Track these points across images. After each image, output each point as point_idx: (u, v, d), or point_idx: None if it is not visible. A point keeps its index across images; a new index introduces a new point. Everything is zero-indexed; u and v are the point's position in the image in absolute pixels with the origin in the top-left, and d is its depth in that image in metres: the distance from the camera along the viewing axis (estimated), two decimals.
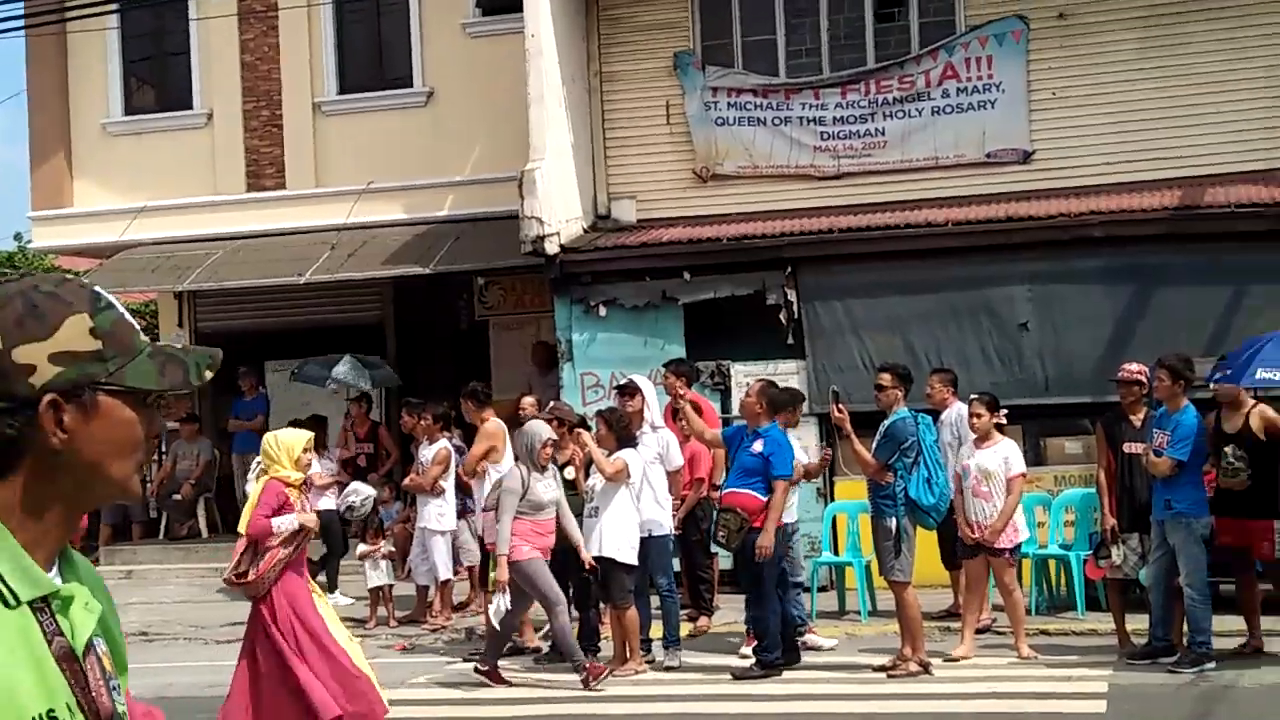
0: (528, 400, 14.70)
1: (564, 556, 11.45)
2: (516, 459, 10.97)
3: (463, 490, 13.97)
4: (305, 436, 9.01)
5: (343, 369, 16.76)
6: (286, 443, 8.84)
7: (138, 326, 2.09)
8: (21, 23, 18.23)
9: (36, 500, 2.01)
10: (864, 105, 15.52)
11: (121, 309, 2.08)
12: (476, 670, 10.88)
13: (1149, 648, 10.53)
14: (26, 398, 1.98)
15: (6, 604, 1.93)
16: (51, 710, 1.93)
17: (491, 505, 11.01)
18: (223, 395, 19.18)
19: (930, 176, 15.33)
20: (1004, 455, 11.09)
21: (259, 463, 13.63)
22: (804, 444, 14.34)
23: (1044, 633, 11.65)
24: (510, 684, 10.82)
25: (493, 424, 12.67)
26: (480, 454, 12.55)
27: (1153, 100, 14.74)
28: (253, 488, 9.61)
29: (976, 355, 14.18)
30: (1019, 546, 11.24)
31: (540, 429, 10.90)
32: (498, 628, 10.75)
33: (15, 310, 2.00)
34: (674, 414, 12.79)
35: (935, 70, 15.33)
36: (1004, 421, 11.53)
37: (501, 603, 10.54)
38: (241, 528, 8.82)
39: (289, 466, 8.72)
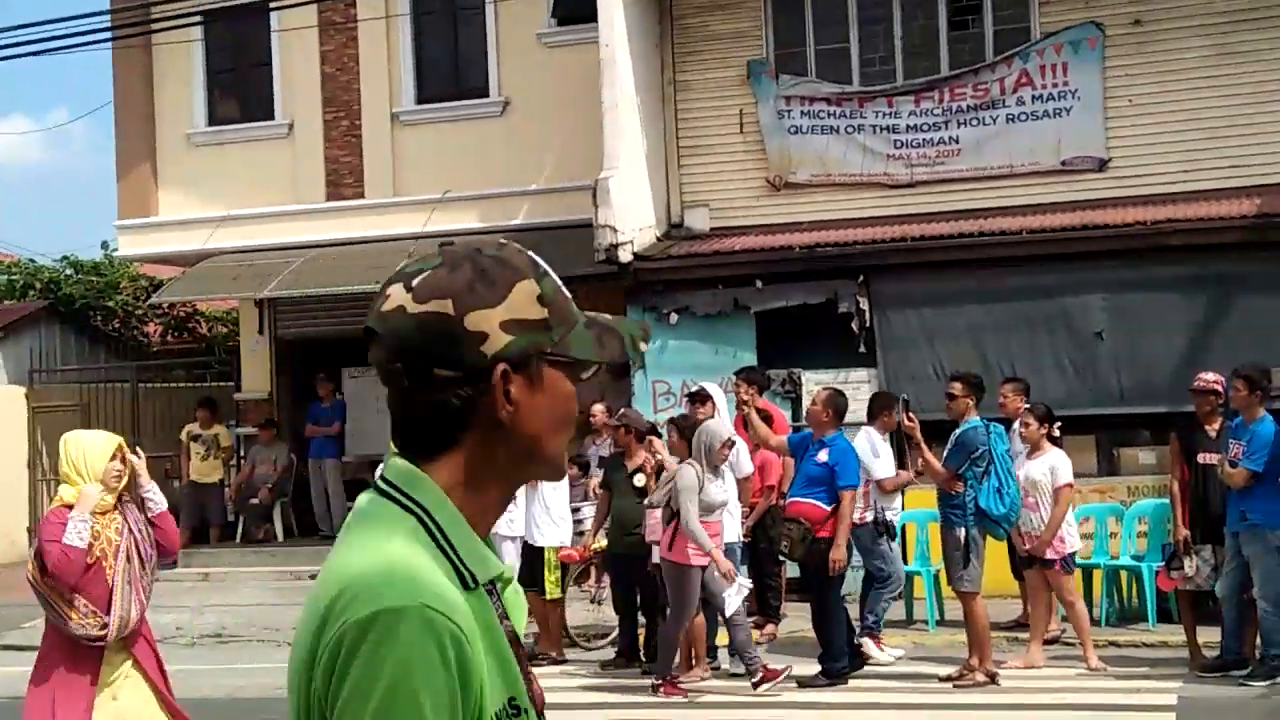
0: (598, 408, 14.77)
1: (632, 563, 11.50)
2: (692, 458, 10.69)
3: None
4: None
5: None
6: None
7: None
8: (109, 34, 18.62)
9: (476, 476, 1.91)
10: (938, 113, 15.46)
11: (556, 277, 2.00)
12: (653, 686, 10.55)
13: (1220, 660, 10.39)
14: (477, 367, 1.89)
15: (466, 586, 1.85)
16: (513, 698, 1.85)
17: (659, 503, 10.78)
18: (299, 401, 19.44)
19: (1004, 184, 15.23)
20: (1050, 465, 10.99)
21: None
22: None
23: (1114, 644, 11.54)
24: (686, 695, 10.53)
25: None
26: None
27: (1229, 107, 14.56)
28: None
29: (1050, 364, 14.07)
30: (1071, 557, 11.11)
31: (719, 429, 10.68)
32: (743, 616, 10.55)
33: (465, 275, 1.92)
34: (744, 422, 12.81)
35: (1010, 77, 15.23)
36: (1056, 433, 11.45)
37: (734, 592, 10.39)
38: None
39: None
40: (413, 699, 1.72)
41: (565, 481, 12.60)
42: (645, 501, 11.20)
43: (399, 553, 1.81)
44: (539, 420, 1.93)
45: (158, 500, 6.67)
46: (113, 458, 6.49)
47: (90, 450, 6.52)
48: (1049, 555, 10.83)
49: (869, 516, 11.57)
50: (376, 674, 1.73)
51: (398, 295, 1.93)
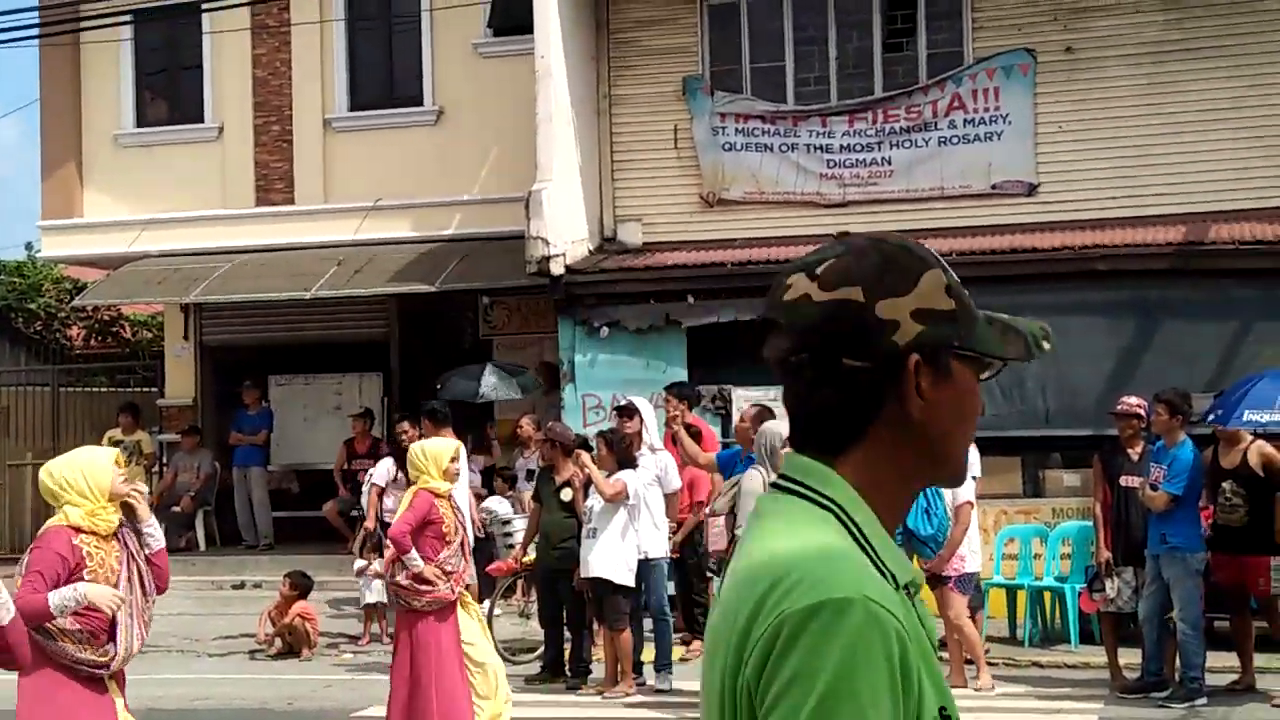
0: (526, 420, 14.74)
1: (560, 577, 11.47)
2: (754, 461, 10.20)
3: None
4: (453, 446, 8.88)
5: (490, 380, 15.86)
6: (434, 452, 8.68)
7: None
8: (36, 32, 18.36)
9: (882, 476, 1.84)
10: (871, 134, 15.56)
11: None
12: None
13: (1141, 682, 10.51)
14: (889, 356, 1.83)
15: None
16: (944, 707, 1.76)
17: (723, 510, 10.39)
18: (223, 408, 19.24)
19: (936, 207, 15.36)
20: None
21: (379, 474, 13.57)
22: None
23: (1037, 664, 11.64)
24: None
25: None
26: None
27: (1159, 135, 14.76)
28: (399, 498, 9.36)
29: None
30: (967, 577, 10.92)
31: (779, 428, 10.18)
32: None
33: (872, 262, 1.85)
34: (674, 438, 12.82)
35: (942, 101, 15.37)
36: None
37: None
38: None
39: (437, 476, 8.57)
40: (855, 694, 1.65)
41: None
42: (707, 510, 10.62)
43: (834, 544, 1.76)
44: (947, 416, 1.86)
45: (157, 536, 6.13)
46: (117, 466, 6.08)
47: (90, 468, 6.00)
48: (945, 573, 10.79)
49: None
50: (819, 664, 1.66)
51: (801, 284, 1.87)
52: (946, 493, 10.74)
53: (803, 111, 15.77)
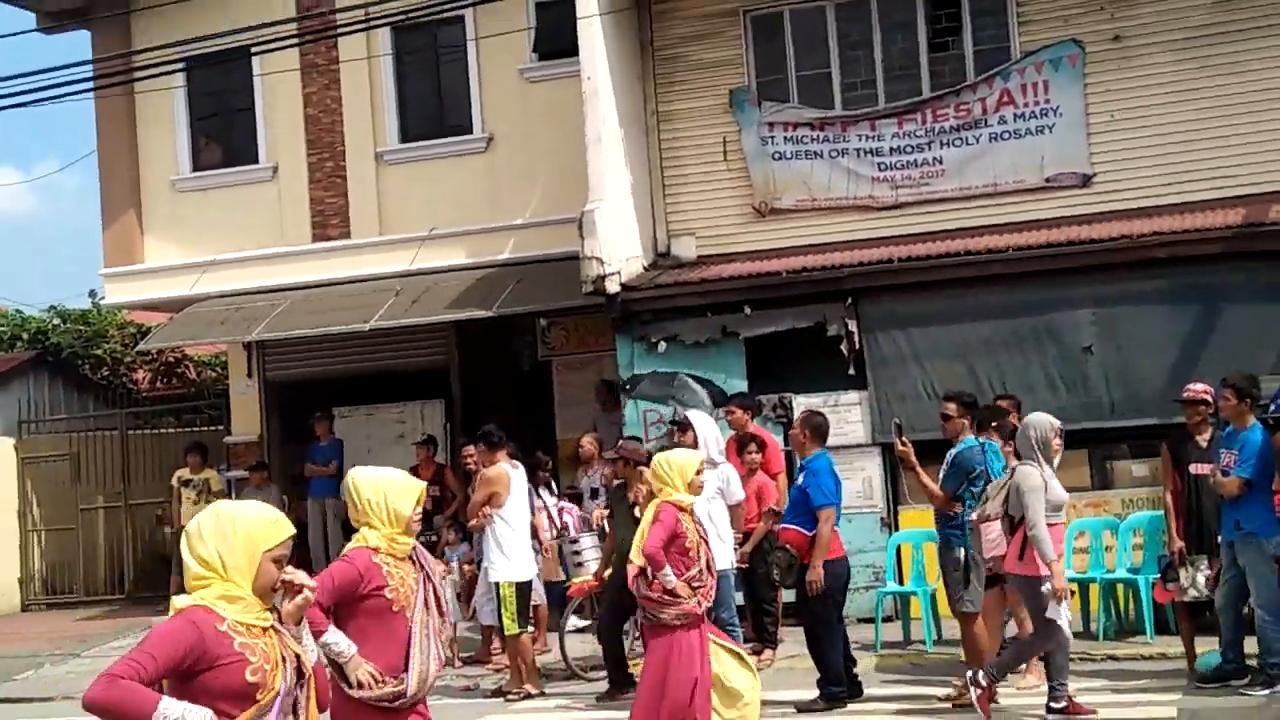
0: (587, 439, 14.74)
1: (627, 589, 11.41)
2: (1019, 456, 9.83)
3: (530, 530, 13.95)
4: (698, 457, 8.69)
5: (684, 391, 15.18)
6: (679, 464, 8.48)
7: None
8: (91, 84, 18.62)
9: None
10: (921, 134, 15.48)
11: None
12: (1050, 710, 9.61)
13: (1220, 670, 10.32)
14: None
15: None
16: None
17: (996, 513, 9.94)
18: (288, 443, 19.39)
19: (989, 203, 15.24)
20: None
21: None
22: (866, 475, 14.32)
23: (1112, 657, 11.48)
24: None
25: (495, 469, 12.30)
26: (482, 500, 12.24)
27: (1211, 120, 14.58)
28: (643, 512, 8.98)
29: (1040, 380, 14.04)
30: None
31: (1046, 419, 9.92)
32: (1068, 637, 9.65)
33: None
34: (738, 448, 12.77)
35: (991, 97, 15.27)
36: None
37: (1065, 612, 9.55)
38: (634, 554, 8.43)
39: (682, 489, 8.38)
40: None
41: (525, 513, 12.47)
42: (975, 516, 10.22)
43: None
44: None
45: (312, 647, 4.84)
46: (417, 502, 5.92)
47: (395, 495, 5.90)
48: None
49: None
50: None
51: None
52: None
53: (851, 116, 15.72)
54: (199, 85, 19.19)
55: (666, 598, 8.23)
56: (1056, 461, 9.90)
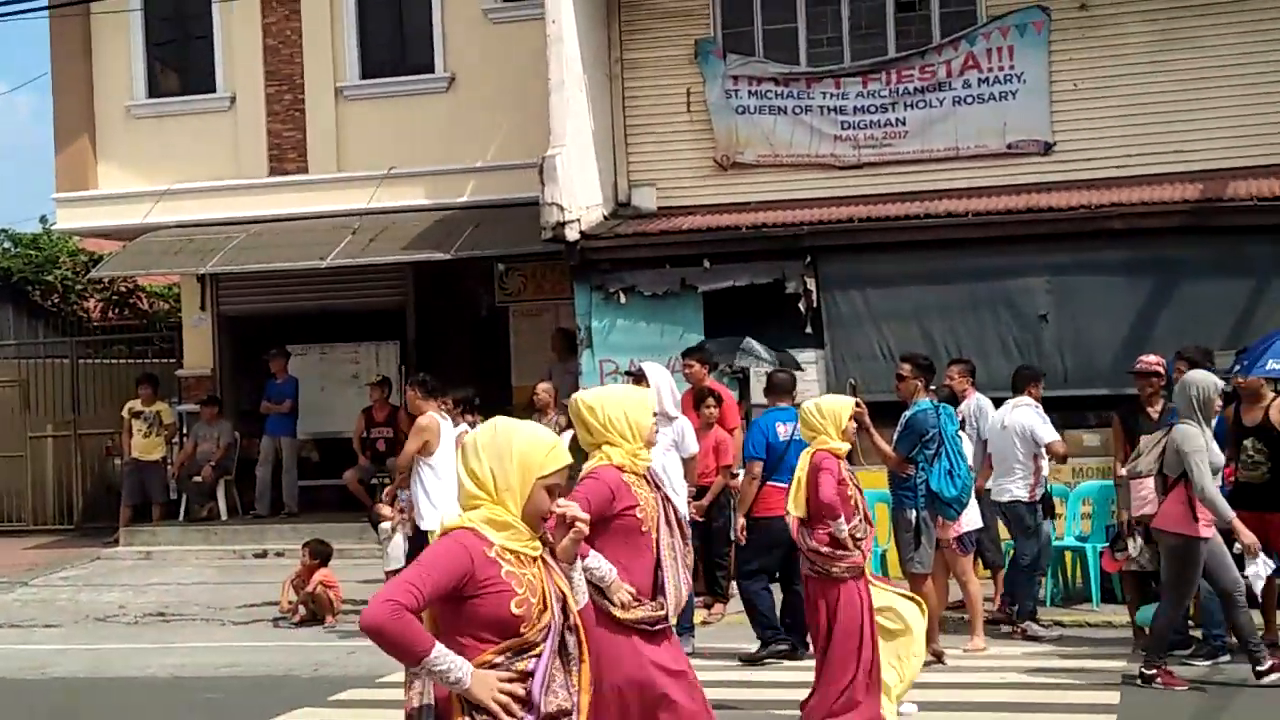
0: (543, 387, 14.73)
1: None
2: (1179, 415, 9.52)
3: None
4: (850, 403, 8.42)
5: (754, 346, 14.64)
6: (831, 409, 8.22)
7: None
8: (45, 3, 18.32)
9: None
10: (885, 95, 15.51)
11: None
12: (1143, 675, 9.45)
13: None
14: None
15: None
16: None
17: (1149, 469, 9.62)
18: (241, 378, 19.31)
19: (951, 167, 15.32)
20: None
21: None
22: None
23: (1059, 624, 11.67)
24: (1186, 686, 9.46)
25: (427, 418, 12.21)
26: (414, 449, 12.15)
27: (1174, 93, 14.71)
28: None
29: (995, 346, 14.20)
30: (967, 536, 10.87)
31: (1211, 378, 9.52)
32: (1259, 598, 9.48)
33: None
34: (695, 402, 12.82)
35: (956, 60, 15.31)
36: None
37: (1262, 569, 9.39)
38: (792, 506, 8.17)
39: (836, 436, 8.13)
40: None
41: (453, 462, 12.41)
42: (1124, 470, 9.98)
43: None
44: None
45: (583, 589, 4.64)
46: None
47: (633, 409, 5.75)
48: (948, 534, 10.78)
49: (1038, 493, 11.62)
50: None
51: None
52: (967, 452, 10.76)
53: (816, 73, 15.72)
54: (156, 9, 18.94)
55: (838, 551, 7.96)
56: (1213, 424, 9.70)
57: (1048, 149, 15.10)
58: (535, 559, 4.10)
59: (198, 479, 17.99)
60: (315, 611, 13.44)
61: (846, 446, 8.24)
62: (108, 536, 18.26)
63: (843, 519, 7.97)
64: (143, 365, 20.68)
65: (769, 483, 10.84)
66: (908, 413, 10.71)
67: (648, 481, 5.75)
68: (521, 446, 4.09)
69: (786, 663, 10.67)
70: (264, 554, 16.79)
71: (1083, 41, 15.02)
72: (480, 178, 17.30)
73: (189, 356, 19.58)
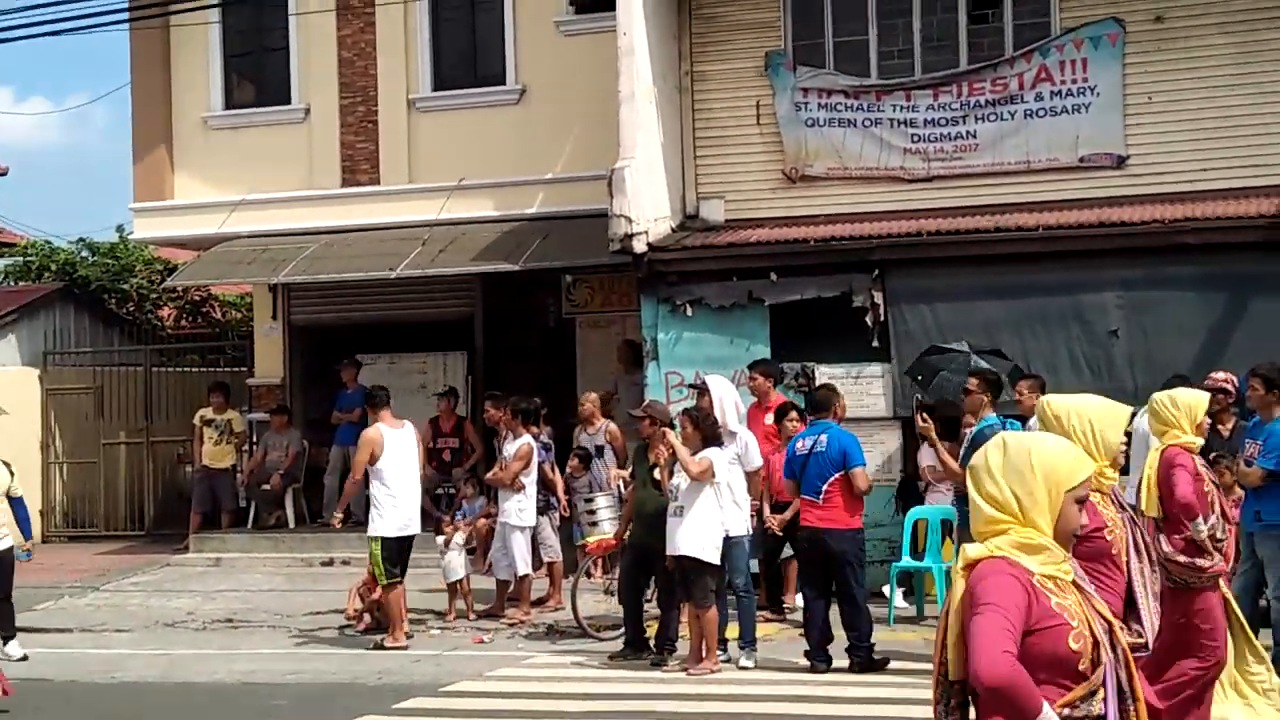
0: (589, 397, 14.83)
1: (650, 554, 11.49)
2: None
3: (545, 486, 14.05)
4: (1206, 397, 7.91)
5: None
6: (1186, 403, 7.57)
7: None
8: (126, 16, 18.62)
9: None
10: (956, 107, 15.40)
11: None
12: None
13: None
14: None
15: None
16: None
17: None
18: (311, 387, 19.47)
19: (1022, 180, 15.18)
20: None
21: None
22: (886, 448, 14.37)
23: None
24: None
25: (369, 430, 12.96)
26: (363, 460, 12.88)
27: (1250, 106, 14.49)
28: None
29: (1065, 362, 14.03)
30: None
31: None
32: None
33: None
34: (777, 416, 12.81)
35: (1029, 73, 15.17)
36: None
37: None
38: (1148, 507, 7.38)
39: (1190, 431, 7.52)
40: None
41: (405, 470, 12.83)
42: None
43: None
44: None
45: None
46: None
47: (1101, 418, 5.31)
48: None
49: None
50: None
51: None
52: None
53: (886, 86, 15.64)
54: (234, 22, 19.17)
55: (1196, 560, 7.28)
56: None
57: (1121, 162, 14.93)
58: (1070, 583, 3.74)
59: (266, 487, 18.16)
60: (381, 620, 13.51)
61: (1200, 442, 7.66)
62: (178, 543, 18.46)
63: (1200, 518, 7.36)
64: (214, 374, 20.91)
65: (801, 496, 11.24)
66: (974, 428, 10.63)
67: (1114, 501, 5.41)
68: (1044, 460, 3.75)
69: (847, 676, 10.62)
70: (330, 562, 16.92)
71: (1158, 54, 14.83)
72: (549, 189, 17.36)
73: (260, 365, 19.78)
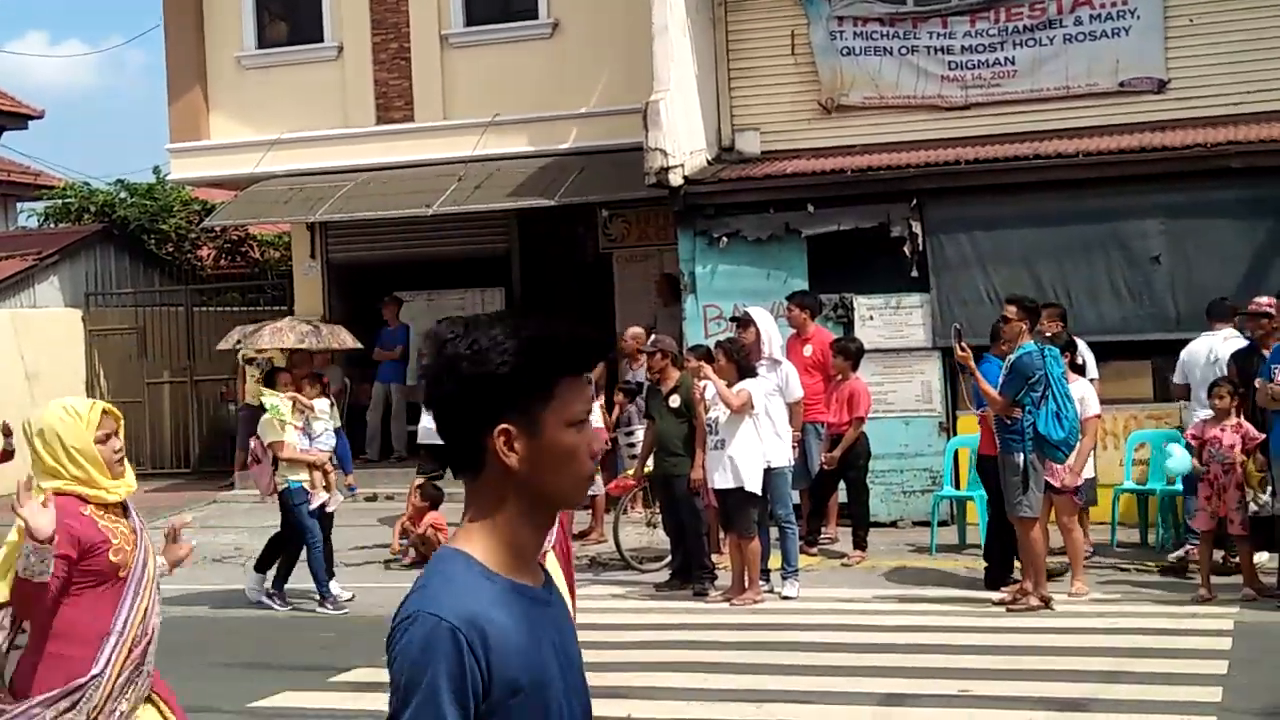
0: (632, 332, 14.79)
1: (670, 484, 11.59)
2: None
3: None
4: None
5: None
6: None
7: None
8: None
9: None
10: (993, 33, 15.25)
11: None
12: None
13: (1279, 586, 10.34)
14: None
15: None
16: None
17: None
18: (350, 325, 19.48)
19: (1061, 106, 15.04)
20: (1079, 396, 10.85)
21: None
22: (926, 379, 14.37)
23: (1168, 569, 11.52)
24: None
25: None
26: None
27: None
28: None
29: (1105, 289, 13.95)
30: (1082, 487, 11.06)
31: None
32: None
33: None
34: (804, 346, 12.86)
35: None
36: (1080, 362, 11.46)
37: None
38: None
39: None
40: None
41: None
42: None
43: None
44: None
45: None
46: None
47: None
48: (1054, 483, 10.69)
49: None
50: None
51: None
52: (1075, 402, 10.59)
53: (922, 12, 15.50)
54: None
55: None
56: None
57: (1162, 87, 14.77)
58: None
59: None
60: (425, 554, 13.62)
61: None
62: (223, 480, 18.63)
63: None
64: (255, 313, 21.00)
65: None
66: (1013, 355, 10.58)
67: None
68: None
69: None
70: (374, 497, 17.05)
71: None
72: (584, 124, 17.31)
73: (300, 304, 19.84)
